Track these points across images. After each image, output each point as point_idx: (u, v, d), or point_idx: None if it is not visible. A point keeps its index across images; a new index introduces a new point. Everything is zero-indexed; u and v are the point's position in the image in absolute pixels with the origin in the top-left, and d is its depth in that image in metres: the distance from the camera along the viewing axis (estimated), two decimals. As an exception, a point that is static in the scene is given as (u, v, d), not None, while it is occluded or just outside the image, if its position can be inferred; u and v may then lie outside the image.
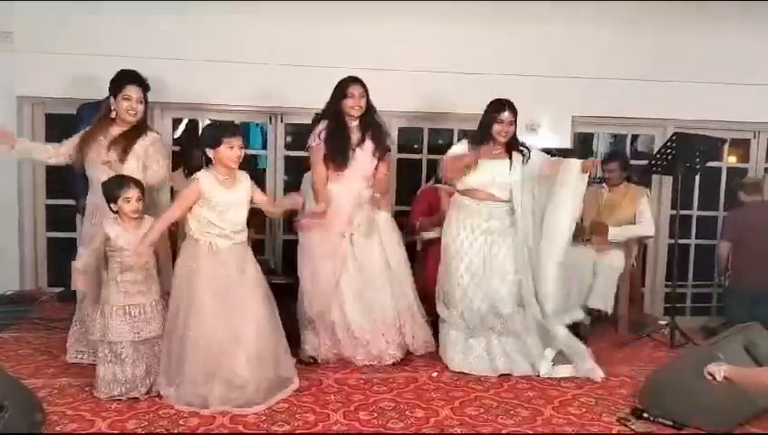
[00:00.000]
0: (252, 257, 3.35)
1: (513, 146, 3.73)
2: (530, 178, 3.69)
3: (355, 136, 3.73)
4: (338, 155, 3.69)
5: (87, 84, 4.75)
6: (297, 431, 2.92)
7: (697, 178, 5.46)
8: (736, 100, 5.71)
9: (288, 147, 5.65)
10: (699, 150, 4.29)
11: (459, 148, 3.80)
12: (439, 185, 4.59)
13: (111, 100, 3.60)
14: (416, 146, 5.91)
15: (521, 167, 3.69)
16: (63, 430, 2.88)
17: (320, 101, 5.35)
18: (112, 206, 3.24)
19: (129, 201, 3.22)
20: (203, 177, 3.22)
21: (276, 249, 5.58)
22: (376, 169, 3.80)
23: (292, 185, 5.32)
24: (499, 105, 3.69)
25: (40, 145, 3.81)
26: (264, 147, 5.72)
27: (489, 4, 5.28)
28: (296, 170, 5.32)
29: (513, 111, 3.68)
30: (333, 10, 5.18)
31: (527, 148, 3.77)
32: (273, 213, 3.64)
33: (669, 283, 5.55)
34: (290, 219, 4.34)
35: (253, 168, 6.07)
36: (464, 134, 5.66)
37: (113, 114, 3.59)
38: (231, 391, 3.12)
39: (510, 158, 3.70)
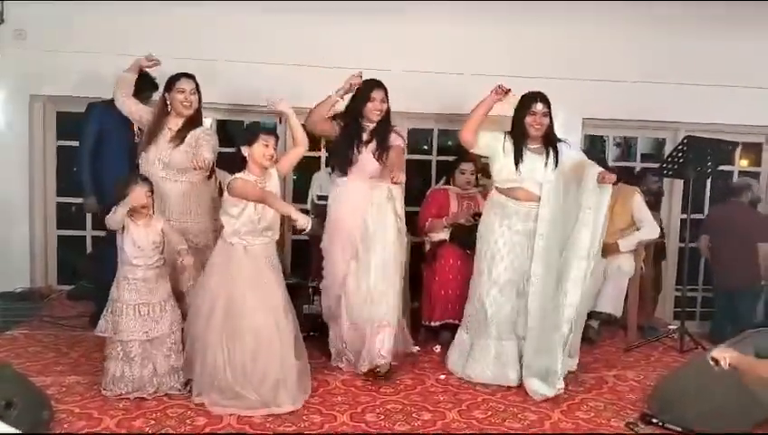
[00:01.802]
0: (277, 257, 3.36)
1: (550, 141, 3.65)
2: (560, 176, 3.58)
3: (365, 137, 3.71)
4: (340, 157, 3.70)
5: (97, 83, 4.77)
6: (304, 432, 2.93)
7: (708, 181, 5.44)
8: (748, 103, 5.66)
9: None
10: (710, 154, 4.26)
11: (499, 135, 3.66)
12: (449, 186, 4.57)
13: (165, 94, 3.73)
14: (425, 147, 5.90)
15: (553, 164, 3.58)
16: (71, 428, 2.89)
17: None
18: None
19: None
20: (243, 176, 3.21)
21: (285, 249, 5.59)
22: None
23: (301, 185, 5.34)
24: (531, 97, 3.60)
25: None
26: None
27: (502, 5, 5.24)
28: (306, 170, 5.33)
29: (547, 103, 3.59)
30: (345, 9, 5.16)
31: (564, 143, 3.68)
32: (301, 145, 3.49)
33: (679, 287, 5.53)
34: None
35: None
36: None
37: (169, 108, 3.71)
38: (272, 392, 3.13)
39: (547, 154, 3.61)
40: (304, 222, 3.05)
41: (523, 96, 3.66)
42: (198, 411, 3.08)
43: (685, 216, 5.55)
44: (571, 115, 5.64)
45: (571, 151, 3.70)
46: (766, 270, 5.04)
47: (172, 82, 3.73)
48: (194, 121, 3.75)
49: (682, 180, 5.08)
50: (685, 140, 4.27)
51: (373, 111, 3.67)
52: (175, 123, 3.71)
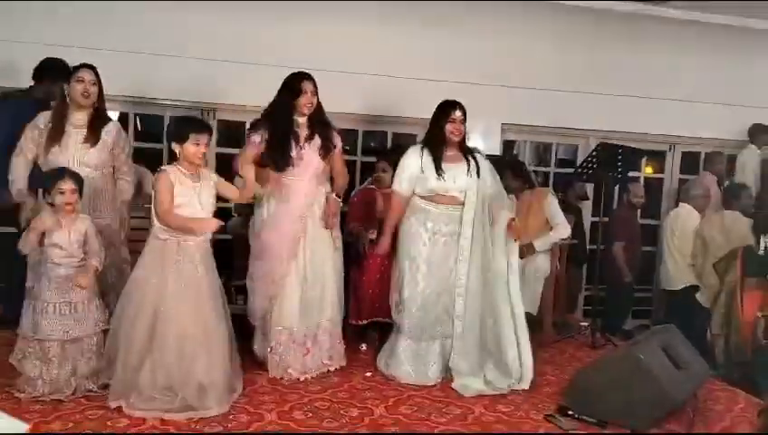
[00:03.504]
0: (212, 257, 3.28)
1: (465, 150, 3.75)
2: (481, 191, 3.69)
3: (303, 133, 3.64)
4: (278, 156, 3.57)
5: (10, 72, 4.54)
6: (231, 432, 2.90)
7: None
8: (654, 114, 6.04)
9: (219, 144, 5.55)
10: (621, 160, 4.49)
11: (412, 160, 3.72)
12: (373, 187, 4.61)
13: (65, 85, 3.59)
14: (347, 148, 5.92)
15: (475, 173, 3.68)
16: (-17, 432, 2.75)
17: (253, 97, 5.37)
18: (47, 197, 3.14)
19: (62, 193, 3.12)
20: (169, 169, 3.14)
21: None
22: (329, 166, 3.74)
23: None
24: (450, 105, 3.69)
25: None
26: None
27: (430, 8, 5.35)
28: (228, 168, 5.24)
29: (464, 111, 3.68)
30: (272, 8, 5.13)
31: (478, 155, 3.79)
32: (241, 201, 3.58)
33: (589, 286, 5.81)
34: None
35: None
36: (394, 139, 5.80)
37: (68, 99, 3.59)
38: (198, 396, 3.05)
39: (467, 161, 3.70)
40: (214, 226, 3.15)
41: (441, 104, 3.75)
42: (120, 413, 2.99)
43: (595, 219, 5.85)
44: (490, 120, 5.85)
45: (486, 163, 3.80)
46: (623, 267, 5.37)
47: (71, 72, 3.62)
48: (102, 116, 3.67)
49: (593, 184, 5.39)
50: (598, 147, 4.49)
51: (305, 104, 3.60)
52: (78, 118, 3.58)
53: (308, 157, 3.62)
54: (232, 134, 5.59)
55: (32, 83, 4.20)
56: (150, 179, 4.95)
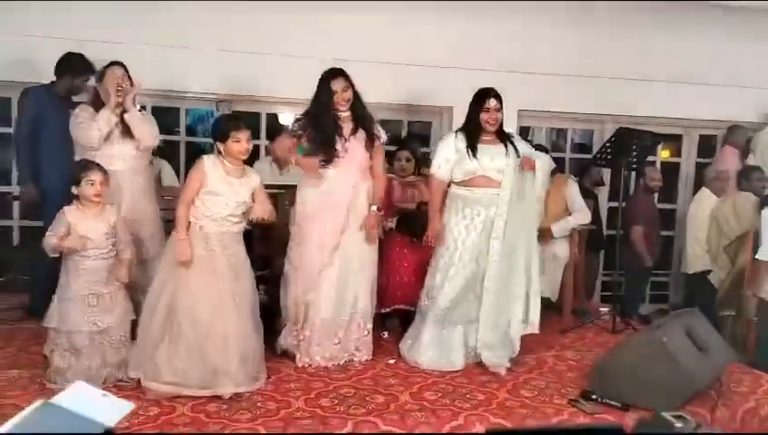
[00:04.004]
0: (242, 247, 3.34)
1: (503, 136, 3.75)
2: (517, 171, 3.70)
3: (347, 126, 3.65)
4: (324, 149, 3.59)
5: (28, 66, 4.60)
6: (259, 419, 2.94)
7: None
8: (669, 97, 6.02)
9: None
10: (638, 145, 4.48)
11: (448, 143, 3.76)
12: (391, 175, 4.62)
13: (97, 85, 3.64)
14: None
15: (515, 157, 3.68)
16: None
17: (269, 88, 5.41)
18: (74, 189, 3.18)
19: (92, 184, 3.16)
20: (208, 160, 3.23)
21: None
22: (371, 160, 3.74)
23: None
24: (484, 93, 3.70)
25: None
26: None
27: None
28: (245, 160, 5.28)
29: (499, 99, 3.69)
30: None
31: (515, 138, 3.80)
32: (269, 220, 3.54)
33: (606, 272, 5.83)
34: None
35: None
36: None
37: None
38: (214, 377, 3.12)
39: (505, 145, 3.71)
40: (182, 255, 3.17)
41: (476, 92, 3.76)
42: (151, 402, 3.05)
43: (614, 204, 5.85)
44: (506, 106, 5.83)
45: (524, 144, 3.85)
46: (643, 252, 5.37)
47: (104, 70, 3.65)
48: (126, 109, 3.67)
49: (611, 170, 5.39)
50: (616, 132, 4.49)
51: (340, 102, 3.61)
52: (109, 114, 3.60)
53: (353, 149, 3.64)
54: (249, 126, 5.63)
55: (53, 79, 4.24)
56: (168, 171, 5.05)
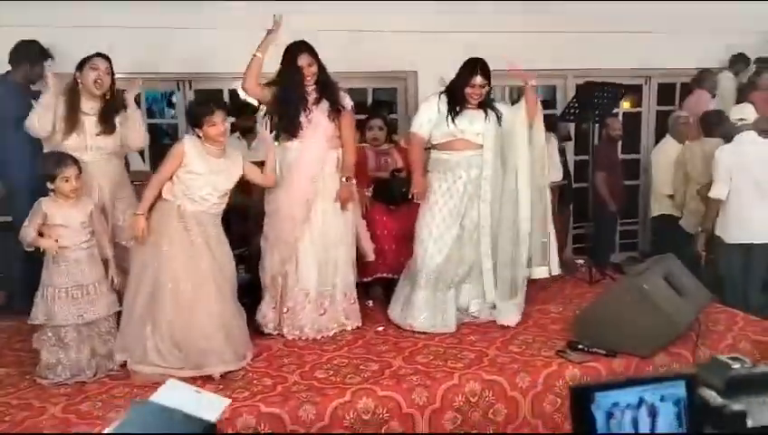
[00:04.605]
0: (219, 227, 3.35)
1: (486, 105, 3.77)
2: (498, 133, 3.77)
3: (311, 97, 3.65)
4: (287, 121, 3.60)
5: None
6: (258, 395, 2.96)
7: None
8: (627, 48, 6.07)
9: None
10: (603, 98, 4.55)
11: (430, 104, 3.77)
12: (363, 144, 4.60)
13: (77, 73, 3.50)
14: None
15: (495, 121, 3.72)
16: (14, 419, 2.77)
17: (230, 65, 5.30)
18: (49, 184, 3.11)
19: (67, 180, 3.10)
20: (188, 141, 3.22)
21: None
22: (339, 129, 3.73)
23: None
24: (471, 69, 3.68)
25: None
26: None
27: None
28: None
29: (486, 75, 3.68)
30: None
31: (497, 104, 3.83)
32: (267, 184, 3.61)
33: (577, 224, 5.95)
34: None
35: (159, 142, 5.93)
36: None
37: (80, 88, 3.51)
38: (200, 357, 3.12)
39: (485, 112, 3.73)
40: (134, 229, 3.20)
41: (464, 63, 3.74)
42: (146, 390, 3.01)
43: (581, 157, 5.95)
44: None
45: (505, 108, 3.88)
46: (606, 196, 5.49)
47: (84, 60, 3.53)
48: (116, 105, 3.59)
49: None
50: (579, 88, 4.54)
51: (306, 77, 3.61)
52: (90, 106, 3.51)
53: (316, 120, 3.64)
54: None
55: (8, 68, 4.10)
56: (135, 156, 4.95)
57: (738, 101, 5.79)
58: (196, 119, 3.21)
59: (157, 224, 3.20)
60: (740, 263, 4.46)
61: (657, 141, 6.09)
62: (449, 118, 3.67)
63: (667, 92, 6.59)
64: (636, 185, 6.43)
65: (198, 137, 3.23)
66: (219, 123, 3.19)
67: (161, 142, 5.92)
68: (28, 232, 3.08)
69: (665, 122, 6.21)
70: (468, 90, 3.68)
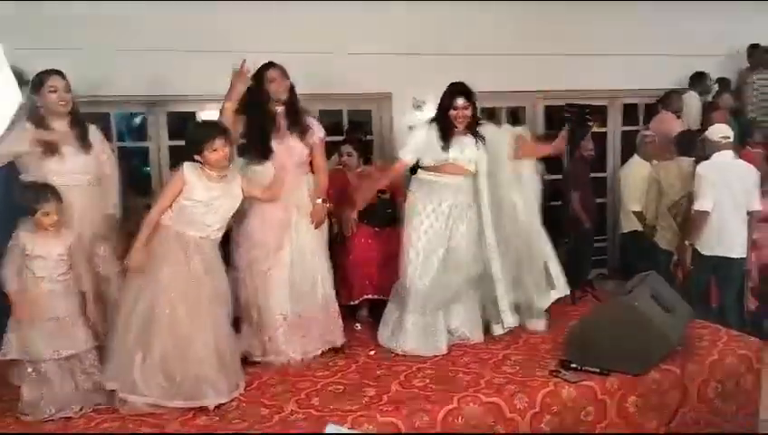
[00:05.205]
0: (218, 255, 3.26)
1: (474, 127, 3.79)
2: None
3: (282, 122, 3.62)
4: (259, 145, 3.55)
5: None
6: (256, 426, 2.88)
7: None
8: (594, 70, 6.23)
9: (172, 137, 5.40)
10: (586, 118, 4.63)
11: (420, 133, 3.78)
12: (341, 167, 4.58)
13: (34, 97, 3.36)
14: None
15: (483, 145, 3.78)
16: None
17: (201, 87, 5.23)
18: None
19: (48, 215, 3.00)
20: (188, 168, 3.10)
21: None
22: (311, 156, 3.72)
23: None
24: (454, 92, 3.70)
25: None
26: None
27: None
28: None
29: (469, 97, 3.70)
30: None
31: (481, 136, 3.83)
32: (271, 199, 3.51)
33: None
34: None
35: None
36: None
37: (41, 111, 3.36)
38: (194, 387, 3.03)
39: (474, 135, 3.77)
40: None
41: (448, 87, 3.77)
42: (138, 422, 2.93)
43: (552, 176, 6.03)
44: (436, 90, 5.89)
45: (489, 128, 3.93)
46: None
47: (41, 81, 3.36)
48: (82, 121, 3.48)
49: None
50: (566, 107, 4.61)
51: (277, 90, 3.58)
52: (59, 126, 3.38)
53: (289, 145, 3.61)
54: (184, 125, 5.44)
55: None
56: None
57: (702, 121, 6.01)
58: (196, 144, 3.10)
59: (155, 250, 3.09)
60: (714, 275, 4.58)
61: (622, 161, 6.25)
62: (442, 145, 3.69)
63: (631, 113, 6.76)
64: (603, 203, 6.56)
65: (198, 162, 3.14)
66: (220, 148, 3.09)
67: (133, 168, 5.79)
68: (10, 281, 2.99)
69: (629, 142, 6.40)
70: (452, 112, 3.70)
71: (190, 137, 3.22)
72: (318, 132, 3.75)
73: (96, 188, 3.49)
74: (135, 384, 3.01)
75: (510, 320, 3.88)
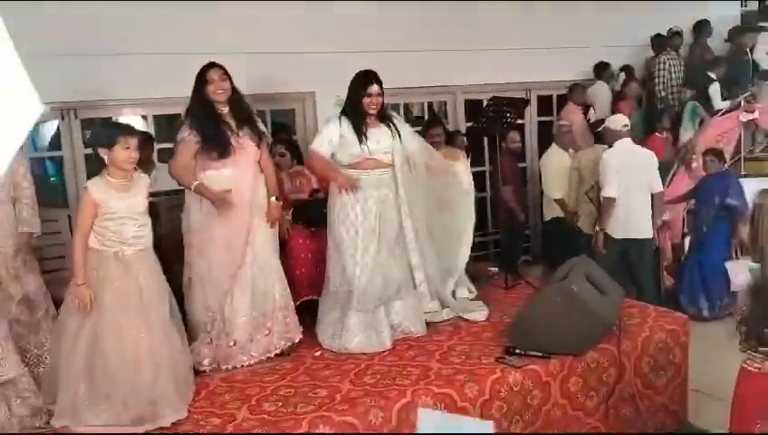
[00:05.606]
0: (157, 263, 3.11)
1: (384, 116, 3.81)
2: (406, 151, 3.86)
3: (232, 122, 3.54)
4: (215, 142, 3.46)
5: None
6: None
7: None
8: (509, 64, 6.43)
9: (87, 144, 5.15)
10: (511, 110, 4.77)
11: (332, 127, 3.75)
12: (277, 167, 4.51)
13: None
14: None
15: (397, 136, 3.80)
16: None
17: (118, 91, 5.04)
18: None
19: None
20: (92, 186, 2.93)
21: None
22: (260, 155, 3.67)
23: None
24: (365, 79, 3.71)
25: None
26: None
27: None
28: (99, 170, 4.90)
29: (380, 83, 3.72)
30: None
31: (396, 118, 3.90)
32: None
33: (480, 233, 6.16)
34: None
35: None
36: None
37: None
38: (145, 408, 2.91)
39: (388, 126, 3.79)
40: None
41: (356, 76, 3.77)
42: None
43: (476, 169, 6.18)
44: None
45: (406, 126, 3.98)
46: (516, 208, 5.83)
47: None
48: None
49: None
50: (491, 101, 4.74)
51: (216, 91, 3.50)
52: None
53: (244, 144, 3.56)
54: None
55: None
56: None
57: (611, 110, 6.31)
58: (109, 138, 2.93)
59: (94, 277, 2.92)
60: (626, 257, 4.83)
61: (539, 150, 6.48)
62: (357, 138, 3.69)
63: (545, 104, 7.01)
64: (524, 191, 6.76)
65: (101, 165, 2.97)
66: (133, 148, 2.96)
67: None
68: None
69: (544, 132, 6.64)
70: (366, 99, 3.72)
71: (105, 129, 3.12)
72: (263, 129, 3.72)
73: (9, 207, 3.33)
74: (76, 414, 2.87)
75: (428, 305, 3.99)
